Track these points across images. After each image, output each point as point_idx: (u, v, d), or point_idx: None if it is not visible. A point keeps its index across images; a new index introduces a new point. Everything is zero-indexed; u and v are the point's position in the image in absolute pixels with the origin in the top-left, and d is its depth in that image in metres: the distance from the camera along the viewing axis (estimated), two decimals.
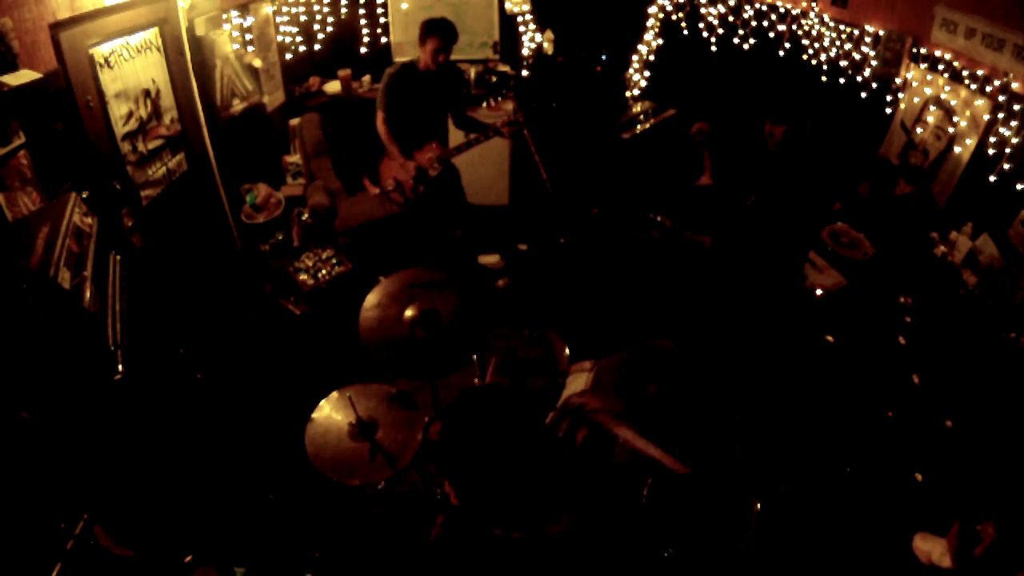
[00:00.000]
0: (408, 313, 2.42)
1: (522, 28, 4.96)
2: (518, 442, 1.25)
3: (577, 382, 2.70)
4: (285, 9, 4.39)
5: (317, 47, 4.64)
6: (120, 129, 2.95)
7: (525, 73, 5.08)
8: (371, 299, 2.48)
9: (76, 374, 2.12)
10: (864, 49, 3.81)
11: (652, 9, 4.99)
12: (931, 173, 3.58)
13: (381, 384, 2.44)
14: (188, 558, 2.21)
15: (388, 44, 4.96)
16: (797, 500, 2.70)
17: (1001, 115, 2.97)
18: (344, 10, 4.64)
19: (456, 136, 3.96)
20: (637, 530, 2.18)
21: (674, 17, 5.03)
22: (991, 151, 3.06)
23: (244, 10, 3.99)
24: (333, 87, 4.87)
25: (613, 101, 5.29)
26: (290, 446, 2.37)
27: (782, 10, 4.36)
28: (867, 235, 3.73)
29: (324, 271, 3.92)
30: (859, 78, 3.89)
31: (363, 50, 4.82)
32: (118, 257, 2.68)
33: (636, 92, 5.35)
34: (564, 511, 1.31)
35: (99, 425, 2.20)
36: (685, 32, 5.04)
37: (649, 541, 2.11)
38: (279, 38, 4.45)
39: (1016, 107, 2.90)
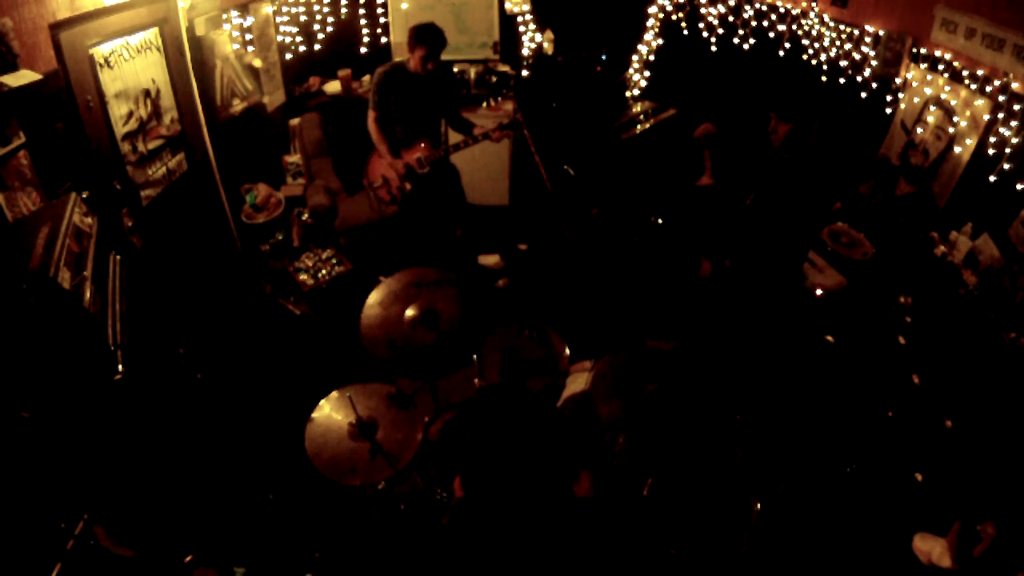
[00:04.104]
0: (409, 313, 2.43)
1: (522, 28, 4.95)
2: (528, 439, 1.29)
3: (577, 382, 2.71)
4: (285, 9, 4.39)
5: (317, 47, 4.63)
6: (120, 129, 2.95)
7: (525, 73, 5.08)
8: (372, 299, 2.48)
9: (76, 374, 2.12)
10: (864, 49, 3.81)
11: (652, 9, 4.99)
12: (931, 173, 3.58)
13: (381, 384, 2.44)
14: (188, 558, 2.21)
15: (388, 44, 4.96)
16: (797, 500, 2.70)
17: (1001, 115, 2.97)
18: (344, 10, 4.64)
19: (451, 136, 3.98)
20: (637, 529, 2.18)
21: (674, 17, 5.03)
22: (991, 151, 3.06)
23: (244, 10, 3.99)
24: (333, 87, 4.87)
25: (613, 101, 5.29)
26: (290, 446, 2.37)
27: (782, 10, 4.36)
28: (867, 235, 3.73)
29: (324, 271, 3.92)
30: (859, 78, 3.89)
31: (363, 50, 4.81)
32: (118, 257, 2.68)
33: (636, 92, 5.35)
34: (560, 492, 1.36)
35: (99, 425, 2.20)
36: (685, 32, 5.04)
37: (649, 540, 2.11)
38: (279, 38, 4.45)
39: (1016, 107, 2.90)
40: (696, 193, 3.51)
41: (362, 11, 4.72)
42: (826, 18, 4.07)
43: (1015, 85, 2.92)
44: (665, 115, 5.21)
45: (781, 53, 4.43)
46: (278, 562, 2.39)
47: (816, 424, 3.03)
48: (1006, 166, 2.97)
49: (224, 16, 3.83)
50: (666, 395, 2.34)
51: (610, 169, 4.95)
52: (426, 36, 3.50)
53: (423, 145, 3.80)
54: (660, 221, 3.90)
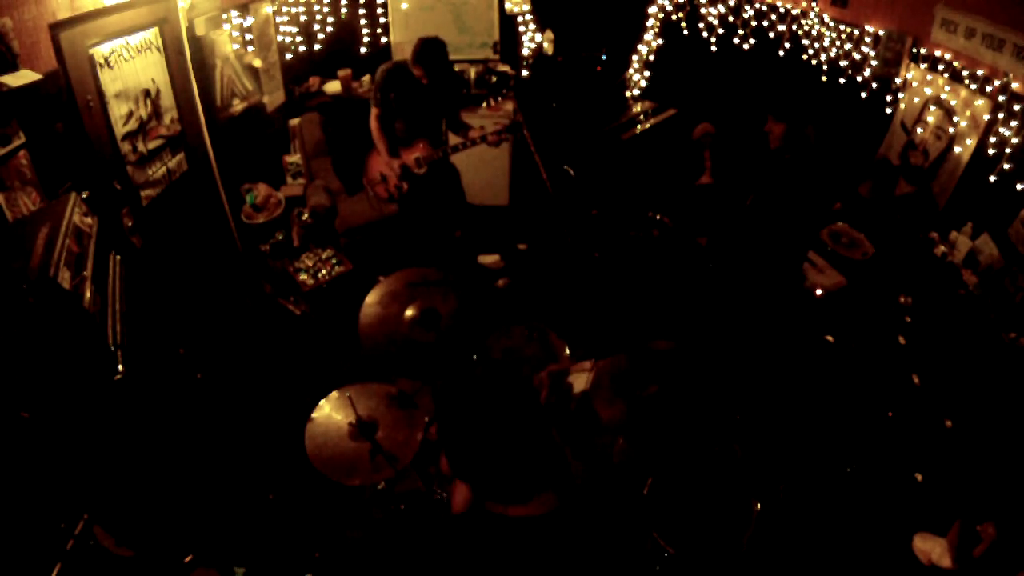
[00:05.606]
0: (408, 313, 2.43)
1: (522, 28, 4.95)
2: (510, 416, 1.34)
3: (577, 382, 2.70)
4: (285, 9, 4.39)
5: (317, 47, 4.63)
6: (120, 129, 2.95)
7: (525, 73, 5.08)
8: (371, 299, 2.48)
9: (76, 374, 2.12)
10: (864, 49, 3.81)
11: (652, 9, 4.99)
12: (931, 173, 3.58)
13: (381, 384, 2.44)
14: (188, 558, 2.21)
15: (388, 44, 4.96)
16: (797, 500, 2.70)
17: (1001, 115, 2.97)
18: (344, 10, 4.64)
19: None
20: (636, 529, 2.18)
21: (674, 17, 5.03)
22: (991, 151, 3.06)
23: (244, 10, 3.99)
24: (333, 87, 4.87)
25: (613, 101, 5.29)
26: (290, 446, 2.37)
27: (782, 10, 4.36)
28: (867, 235, 3.73)
29: (324, 271, 3.92)
30: (859, 78, 3.89)
31: (363, 50, 4.81)
32: (118, 257, 2.68)
33: (636, 92, 5.35)
34: (549, 487, 1.38)
35: (99, 425, 2.20)
36: (685, 32, 5.04)
37: (648, 540, 2.11)
38: (279, 38, 4.45)
39: (1016, 107, 2.90)
40: (696, 193, 3.51)
41: (362, 11, 4.72)
42: (826, 18, 4.07)
43: (1015, 85, 2.92)
44: (665, 115, 5.21)
45: (781, 53, 4.43)
46: (278, 562, 2.39)
47: (816, 424, 3.03)
48: (1006, 166, 2.97)
49: (224, 16, 3.83)
50: (666, 396, 2.33)
51: (610, 169, 4.95)
52: (423, 58, 3.55)
53: (422, 145, 3.81)
54: (658, 217, 3.91)
